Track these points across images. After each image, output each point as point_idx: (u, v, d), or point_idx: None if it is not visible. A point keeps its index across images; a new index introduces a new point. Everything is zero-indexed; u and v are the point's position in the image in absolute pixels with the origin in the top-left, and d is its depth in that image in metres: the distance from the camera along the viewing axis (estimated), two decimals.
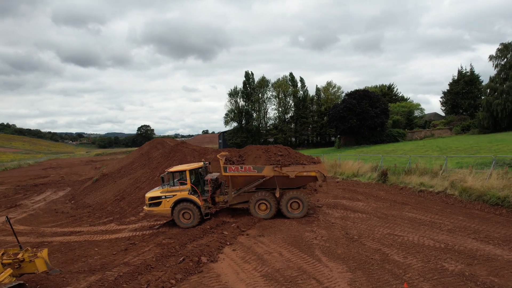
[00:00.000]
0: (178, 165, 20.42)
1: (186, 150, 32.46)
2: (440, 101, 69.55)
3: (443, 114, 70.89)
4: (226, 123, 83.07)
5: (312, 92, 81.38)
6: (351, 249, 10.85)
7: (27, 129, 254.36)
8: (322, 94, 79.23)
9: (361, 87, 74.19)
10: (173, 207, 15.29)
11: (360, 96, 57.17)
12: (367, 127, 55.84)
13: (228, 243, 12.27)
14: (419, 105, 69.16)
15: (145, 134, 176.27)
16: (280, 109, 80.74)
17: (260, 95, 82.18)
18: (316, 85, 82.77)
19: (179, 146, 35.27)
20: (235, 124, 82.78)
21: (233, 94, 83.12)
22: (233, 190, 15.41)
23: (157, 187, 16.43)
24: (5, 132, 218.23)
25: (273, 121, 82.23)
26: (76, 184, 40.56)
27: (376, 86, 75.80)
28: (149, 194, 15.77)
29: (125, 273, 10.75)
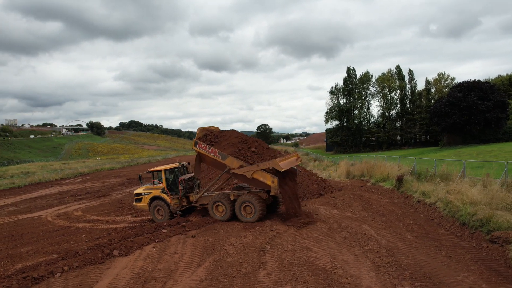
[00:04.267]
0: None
1: None
2: None
3: None
4: (327, 121, 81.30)
5: (421, 85, 73.08)
6: (242, 259, 10.25)
7: (171, 129, 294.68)
8: (433, 87, 70.31)
9: None
10: (149, 204, 16.56)
11: (468, 88, 49.04)
12: (475, 123, 47.60)
13: (156, 240, 12.85)
14: None
15: (264, 132, 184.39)
16: (384, 105, 74.91)
17: (362, 91, 77.75)
18: (426, 78, 74.27)
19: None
20: (336, 122, 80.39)
21: (334, 91, 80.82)
22: (198, 172, 15.88)
23: (146, 184, 17.92)
24: (153, 132, 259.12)
25: (376, 119, 76.86)
26: None
27: None
28: (136, 191, 17.41)
29: (63, 255, 12.41)
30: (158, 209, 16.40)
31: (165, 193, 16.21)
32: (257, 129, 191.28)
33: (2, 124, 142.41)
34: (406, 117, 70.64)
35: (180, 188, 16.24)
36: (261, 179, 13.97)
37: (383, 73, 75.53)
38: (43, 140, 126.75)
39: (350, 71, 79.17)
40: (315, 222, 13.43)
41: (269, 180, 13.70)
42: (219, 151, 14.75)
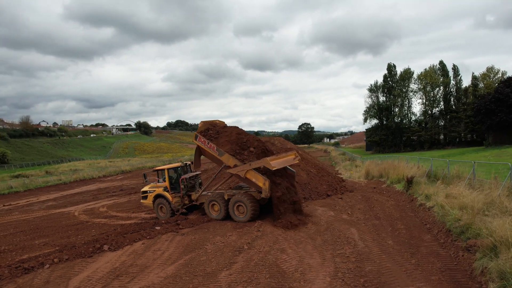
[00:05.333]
0: None
1: None
2: None
3: None
4: (365, 120, 78.77)
5: (467, 81, 68.55)
6: (215, 259, 10.36)
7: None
8: (480, 82, 65.67)
9: None
10: (153, 201, 17.15)
11: None
12: None
13: (147, 237, 13.30)
14: None
15: (305, 131, 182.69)
16: (426, 103, 71.15)
17: (403, 88, 74.38)
18: (473, 73, 69.27)
19: None
20: (375, 121, 77.71)
21: (373, 89, 78.14)
22: (198, 165, 16.23)
23: (152, 182, 18.56)
24: None
25: (417, 117, 73.23)
26: None
27: None
28: (142, 189, 18.10)
29: (60, 248, 13.28)
30: (161, 207, 16.93)
31: (167, 191, 16.70)
32: (298, 128, 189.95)
33: (59, 125, 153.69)
34: (450, 115, 66.54)
35: (182, 186, 16.65)
36: (253, 179, 13.95)
37: (425, 69, 71.74)
38: (93, 139, 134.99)
39: (391, 68, 76.03)
40: (305, 223, 13.18)
41: (261, 182, 13.64)
42: (217, 147, 14.85)
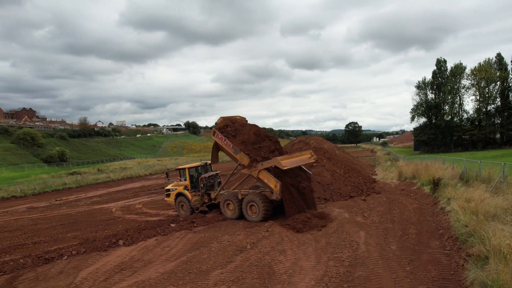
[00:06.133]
0: None
1: None
2: None
3: None
4: (413, 119, 74.92)
5: None
6: (214, 257, 10.54)
7: (262, 127, 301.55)
8: None
9: None
10: (175, 199, 17.73)
11: None
12: None
13: (161, 234, 13.80)
14: None
15: (352, 130, 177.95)
16: (480, 99, 66.17)
17: (454, 85, 69.73)
18: None
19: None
20: (423, 119, 73.70)
21: (421, 86, 74.18)
22: (215, 160, 16.59)
23: (175, 181, 19.14)
24: None
25: (470, 115, 68.37)
26: None
27: None
28: (166, 187, 18.76)
29: (82, 241, 14.21)
30: (182, 205, 17.46)
31: (187, 190, 17.18)
32: (345, 127, 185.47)
33: (114, 125, 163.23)
34: (508, 112, 61.24)
35: (201, 185, 17.03)
36: (265, 180, 13.97)
37: (479, 63, 66.50)
38: (144, 139, 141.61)
39: (440, 63, 71.70)
40: (315, 226, 12.93)
41: (273, 184, 13.60)
42: (233, 145, 14.94)
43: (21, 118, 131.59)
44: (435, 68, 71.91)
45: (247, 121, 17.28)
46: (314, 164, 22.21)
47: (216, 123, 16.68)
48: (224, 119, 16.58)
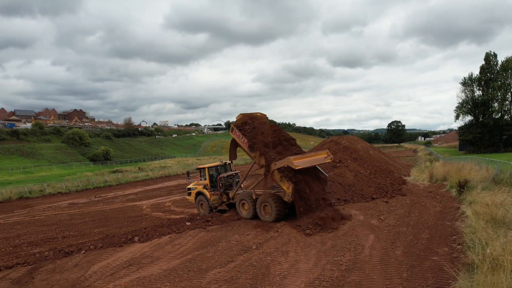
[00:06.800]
0: None
1: None
2: None
3: None
4: (457, 117, 70.57)
5: None
6: (218, 257, 10.69)
7: (303, 127, 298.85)
8: None
9: None
10: (195, 198, 18.11)
11: None
12: None
13: (176, 232, 14.15)
14: None
15: (395, 129, 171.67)
16: None
17: (505, 81, 64.85)
18: None
19: None
20: (469, 118, 69.28)
21: (467, 82, 69.77)
22: (233, 156, 16.74)
23: (196, 180, 19.52)
24: (286, 130, 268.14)
25: None
26: None
27: None
28: (188, 186, 19.21)
29: (103, 237, 14.95)
30: (201, 204, 17.81)
31: (206, 189, 17.49)
32: (388, 126, 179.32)
33: (157, 125, 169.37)
34: None
35: (219, 185, 17.27)
36: (278, 181, 13.86)
37: None
38: (185, 138, 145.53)
39: (489, 58, 66.95)
40: (325, 228, 12.68)
41: (285, 186, 13.45)
42: (250, 143, 14.86)
43: (72, 119, 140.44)
44: (483, 63, 67.42)
45: (267, 118, 17.15)
46: (338, 165, 21.79)
47: (236, 119, 16.64)
48: (243, 116, 16.39)
